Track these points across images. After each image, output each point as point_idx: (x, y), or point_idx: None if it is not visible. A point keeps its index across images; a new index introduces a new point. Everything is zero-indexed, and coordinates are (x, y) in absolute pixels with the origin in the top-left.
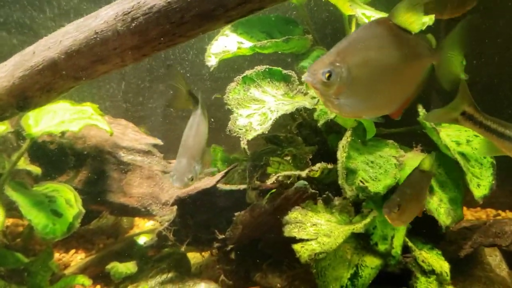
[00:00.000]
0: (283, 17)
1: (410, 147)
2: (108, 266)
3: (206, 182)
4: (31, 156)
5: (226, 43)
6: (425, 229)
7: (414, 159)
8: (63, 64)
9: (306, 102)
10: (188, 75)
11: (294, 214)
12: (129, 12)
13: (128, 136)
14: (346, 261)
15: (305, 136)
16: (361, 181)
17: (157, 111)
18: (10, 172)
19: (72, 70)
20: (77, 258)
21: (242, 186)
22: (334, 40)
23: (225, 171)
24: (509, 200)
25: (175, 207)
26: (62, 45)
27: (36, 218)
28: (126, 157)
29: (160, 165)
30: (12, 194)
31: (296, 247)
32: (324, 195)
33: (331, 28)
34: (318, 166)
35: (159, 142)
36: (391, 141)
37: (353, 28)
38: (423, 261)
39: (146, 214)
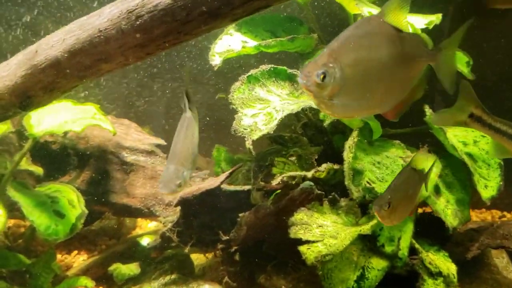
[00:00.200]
0: (288, 16)
1: (416, 148)
2: (111, 268)
3: (210, 183)
4: (33, 156)
5: (230, 42)
6: (431, 231)
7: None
8: (66, 63)
9: (311, 102)
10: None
11: (300, 216)
12: (133, 10)
13: (131, 136)
14: (352, 263)
15: (310, 136)
16: (367, 182)
17: (159, 111)
18: (12, 173)
19: (76, 69)
20: (79, 259)
21: (247, 187)
22: None
23: (229, 171)
24: None
25: (178, 208)
26: (65, 43)
27: (39, 219)
28: (129, 157)
29: (164, 166)
30: (14, 194)
31: (302, 248)
32: (330, 196)
33: (337, 27)
34: (324, 166)
35: (162, 142)
36: (397, 141)
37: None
38: (430, 263)
39: (150, 215)
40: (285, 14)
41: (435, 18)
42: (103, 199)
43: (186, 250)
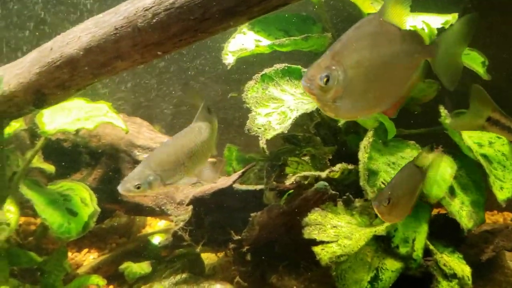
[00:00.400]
0: (301, 15)
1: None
2: (122, 266)
3: (223, 182)
4: (45, 154)
5: (243, 41)
6: (446, 232)
7: (436, 160)
8: (81, 61)
9: None
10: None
11: (314, 216)
12: (150, 8)
13: (143, 135)
14: (366, 264)
15: (322, 136)
16: (382, 183)
17: (169, 109)
18: (24, 170)
19: (91, 67)
20: (89, 257)
21: (259, 187)
22: None
23: (242, 171)
24: None
25: (190, 207)
26: (81, 41)
27: (51, 217)
28: (141, 155)
29: None
30: (27, 192)
31: (316, 249)
32: (345, 197)
33: (350, 26)
34: (339, 166)
35: None
36: (412, 142)
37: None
38: (444, 265)
39: (161, 213)
40: (299, 13)
41: (451, 18)
42: (115, 197)
43: (198, 249)
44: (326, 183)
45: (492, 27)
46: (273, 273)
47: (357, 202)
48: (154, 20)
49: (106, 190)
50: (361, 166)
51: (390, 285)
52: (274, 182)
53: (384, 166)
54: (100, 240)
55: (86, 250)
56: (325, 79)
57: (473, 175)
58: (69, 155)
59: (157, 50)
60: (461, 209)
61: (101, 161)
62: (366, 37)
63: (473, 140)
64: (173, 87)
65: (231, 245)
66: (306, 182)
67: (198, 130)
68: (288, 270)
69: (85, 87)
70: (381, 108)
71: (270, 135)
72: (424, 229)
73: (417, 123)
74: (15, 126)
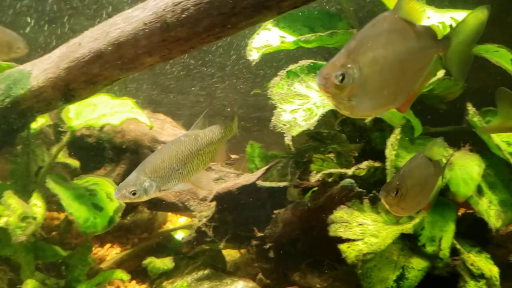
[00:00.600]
0: (326, 11)
1: (457, 147)
2: (145, 262)
3: (246, 178)
4: (70, 149)
5: (268, 37)
6: (472, 232)
7: (463, 158)
8: (109, 56)
9: None
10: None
11: (340, 213)
12: (179, 3)
13: (167, 131)
14: (392, 262)
15: (347, 133)
16: None
17: (191, 106)
18: (50, 165)
19: (119, 62)
20: (112, 252)
21: (282, 184)
22: None
23: (266, 167)
24: None
25: (213, 203)
26: (109, 36)
27: (77, 212)
28: None
29: None
30: (54, 187)
31: (342, 247)
32: (371, 194)
33: None
34: (365, 164)
35: None
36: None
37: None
38: (472, 265)
39: (184, 209)
40: (324, 10)
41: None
42: None
43: (221, 246)
44: (352, 181)
45: None
46: (295, 271)
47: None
48: (183, 15)
49: None
50: (388, 164)
51: (416, 284)
52: (297, 180)
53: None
54: (122, 235)
55: (108, 245)
56: (340, 77)
57: (501, 174)
58: (93, 150)
59: (186, 45)
60: (489, 208)
61: (125, 156)
62: (382, 35)
63: (502, 138)
64: (193, 84)
65: (254, 242)
66: (330, 180)
67: (194, 138)
68: (311, 268)
69: (113, 83)
70: (395, 105)
71: (295, 132)
72: (451, 228)
73: (444, 121)
74: (40, 122)
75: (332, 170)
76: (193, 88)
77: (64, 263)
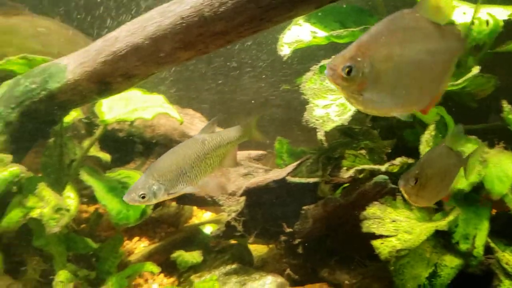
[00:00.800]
0: (357, 7)
1: (491, 144)
2: (174, 255)
3: (276, 174)
4: (100, 143)
5: (299, 32)
6: (507, 231)
7: (498, 156)
8: (146, 50)
9: None
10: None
11: (373, 210)
12: None
13: (196, 126)
14: (425, 259)
15: (378, 129)
16: None
17: (218, 102)
18: (82, 158)
19: (155, 56)
20: (140, 245)
21: (312, 179)
22: None
23: (297, 163)
24: None
25: (241, 198)
26: (146, 30)
27: (111, 204)
28: None
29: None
30: (88, 179)
31: (376, 243)
32: None
33: None
34: (399, 160)
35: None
36: (474, 137)
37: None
38: (506, 263)
39: (213, 204)
40: (355, 5)
41: None
42: None
43: (250, 240)
44: (386, 177)
45: None
46: (324, 267)
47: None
48: (221, 9)
49: None
50: None
51: (449, 281)
52: (327, 175)
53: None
54: (150, 229)
55: (137, 238)
56: (347, 70)
57: None
58: (124, 144)
59: (222, 39)
60: None
61: (155, 151)
62: (398, 32)
63: None
64: (220, 80)
65: (283, 238)
66: (360, 176)
67: (202, 142)
68: (340, 264)
69: (148, 77)
70: (417, 106)
71: (328, 127)
72: (485, 226)
73: (477, 118)
74: (73, 115)
75: (366, 166)
76: (217, 84)
77: (95, 255)
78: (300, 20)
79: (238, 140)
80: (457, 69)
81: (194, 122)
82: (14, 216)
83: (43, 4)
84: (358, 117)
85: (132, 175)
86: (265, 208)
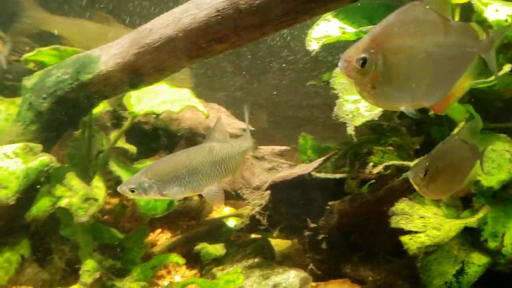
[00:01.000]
0: (385, 3)
1: None
2: (198, 247)
3: (302, 169)
4: (126, 135)
5: (327, 28)
6: None
7: None
8: (180, 42)
9: None
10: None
11: (401, 206)
12: None
13: None
14: (452, 256)
15: (406, 126)
16: None
17: (242, 97)
18: (110, 149)
19: (188, 49)
20: (163, 237)
21: (338, 175)
22: None
23: (323, 158)
24: None
25: (265, 193)
26: (181, 22)
27: None
28: None
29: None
30: (117, 169)
31: (404, 239)
32: None
33: None
34: None
35: (250, 127)
36: (503, 135)
37: (457, 17)
38: None
39: (237, 197)
40: (383, 2)
41: None
42: None
43: (274, 234)
44: None
45: None
46: (347, 263)
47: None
48: (257, 2)
49: None
50: None
51: (476, 279)
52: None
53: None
54: (172, 221)
55: (159, 230)
56: (361, 61)
57: None
58: (149, 137)
59: (257, 32)
60: None
61: (179, 144)
62: (410, 24)
63: None
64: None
65: (306, 233)
66: (387, 172)
67: (209, 151)
68: (364, 260)
69: (179, 69)
70: (426, 101)
71: (358, 122)
72: None
73: (505, 117)
74: (101, 106)
75: (395, 162)
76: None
77: (120, 245)
78: (328, 15)
79: (248, 150)
80: (486, 68)
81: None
82: (42, 205)
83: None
84: (385, 113)
85: None
86: (290, 202)
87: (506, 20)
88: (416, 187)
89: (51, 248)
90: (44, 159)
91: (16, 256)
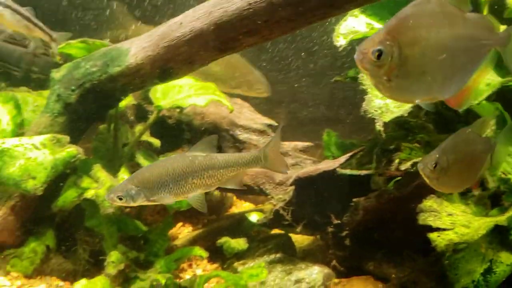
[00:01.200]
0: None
1: None
2: (221, 241)
3: (328, 164)
4: (150, 128)
5: (354, 24)
6: None
7: None
8: (211, 36)
9: None
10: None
11: (429, 203)
12: None
13: (244, 115)
14: (480, 255)
15: (432, 123)
16: (502, 173)
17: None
18: (136, 142)
19: (219, 42)
20: (184, 231)
21: (364, 172)
22: None
23: (349, 154)
24: None
25: (289, 188)
26: (212, 16)
27: None
28: (242, 135)
29: None
30: (144, 162)
31: (432, 236)
32: None
33: None
34: None
35: (273, 122)
36: None
37: (485, 12)
38: None
39: (260, 192)
40: None
41: None
42: None
43: (298, 230)
44: None
45: None
46: (370, 260)
47: (475, 191)
48: None
49: None
50: None
51: (504, 279)
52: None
53: (505, 156)
54: (192, 215)
55: (180, 224)
56: (377, 53)
57: None
58: (172, 131)
59: (288, 26)
60: None
61: (203, 138)
62: (425, 16)
63: None
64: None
65: (330, 229)
66: (413, 169)
67: (191, 160)
68: (387, 258)
69: (208, 63)
70: (441, 95)
71: (387, 118)
72: None
73: None
74: (126, 100)
75: None
76: None
77: (143, 238)
78: (356, 11)
79: (242, 166)
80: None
81: (242, 111)
82: (69, 196)
83: None
84: (412, 110)
85: None
86: (314, 198)
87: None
88: (426, 179)
89: (76, 239)
90: (71, 150)
91: (41, 247)
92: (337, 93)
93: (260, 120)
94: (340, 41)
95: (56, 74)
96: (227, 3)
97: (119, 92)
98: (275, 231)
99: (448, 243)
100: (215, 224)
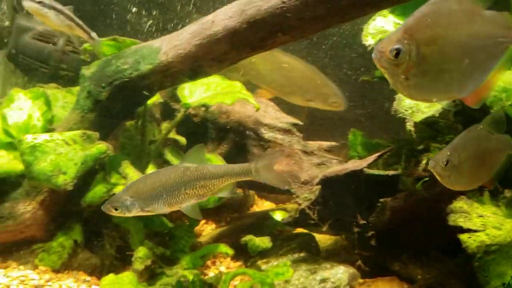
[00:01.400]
0: None
1: None
2: (245, 238)
3: (355, 164)
4: (176, 126)
5: (383, 23)
6: None
7: None
8: (243, 34)
9: None
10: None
11: (460, 204)
12: None
13: (270, 114)
14: (511, 257)
15: (461, 124)
16: None
17: None
18: (163, 139)
19: (250, 41)
20: (207, 228)
21: (391, 172)
22: None
23: (378, 154)
24: None
25: (315, 187)
26: (245, 14)
27: None
28: (267, 134)
29: (300, 145)
30: (172, 158)
31: (463, 237)
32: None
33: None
34: None
35: (299, 122)
36: None
37: None
38: None
39: (285, 192)
40: None
41: None
42: None
43: (324, 229)
44: None
45: None
46: (396, 261)
47: (507, 193)
48: None
49: None
50: None
51: None
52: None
53: None
54: (216, 213)
55: (203, 221)
56: (394, 52)
57: None
58: (198, 129)
59: (320, 24)
60: None
61: (228, 137)
62: (443, 14)
63: None
64: None
65: (356, 229)
66: None
67: (183, 171)
68: (413, 258)
69: (238, 62)
70: (459, 93)
71: (418, 117)
72: None
73: None
74: (153, 98)
75: None
76: None
77: (170, 234)
78: (385, 11)
79: (232, 177)
80: None
81: (267, 110)
82: (98, 191)
83: None
84: (442, 111)
85: (212, 158)
86: (340, 198)
87: None
88: (437, 177)
89: (103, 235)
90: (101, 146)
91: (69, 241)
92: (363, 93)
93: (285, 119)
94: (369, 41)
95: (87, 71)
96: (260, 1)
97: (149, 90)
98: (298, 230)
99: (480, 244)
100: (238, 222)
